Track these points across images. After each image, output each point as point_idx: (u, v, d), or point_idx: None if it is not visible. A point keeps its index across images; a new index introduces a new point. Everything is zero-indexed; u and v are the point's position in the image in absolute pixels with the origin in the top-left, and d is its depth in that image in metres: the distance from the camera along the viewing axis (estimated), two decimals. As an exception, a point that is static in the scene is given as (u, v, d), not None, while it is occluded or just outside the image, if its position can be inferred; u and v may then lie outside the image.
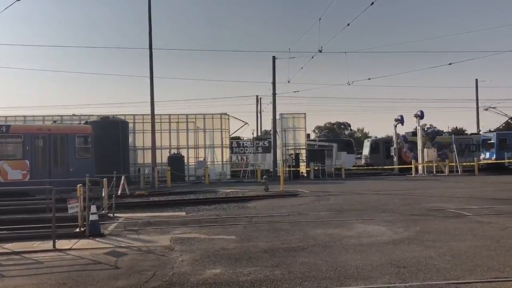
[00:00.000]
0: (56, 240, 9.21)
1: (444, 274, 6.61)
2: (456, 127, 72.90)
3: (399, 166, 36.20)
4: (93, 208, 10.60)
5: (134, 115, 32.58)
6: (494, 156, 34.99)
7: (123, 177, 21.46)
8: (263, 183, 21.85)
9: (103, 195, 14.14)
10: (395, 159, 37.23)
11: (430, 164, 33.93)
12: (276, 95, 35.21)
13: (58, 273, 7.24)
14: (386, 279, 6.43)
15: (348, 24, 22.77)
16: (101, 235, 10.35)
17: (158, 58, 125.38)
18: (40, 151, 21.26)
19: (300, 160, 33.61)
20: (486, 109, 40.01)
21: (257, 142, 38.61)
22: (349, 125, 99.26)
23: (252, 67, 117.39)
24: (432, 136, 36.27)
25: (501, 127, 41.34)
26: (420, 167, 34.32)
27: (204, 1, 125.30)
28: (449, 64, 29.64)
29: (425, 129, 39.48)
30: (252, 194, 20.13)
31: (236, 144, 37.50)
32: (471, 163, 33.71)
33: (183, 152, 31.91)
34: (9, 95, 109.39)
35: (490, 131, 39.69)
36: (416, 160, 34.54)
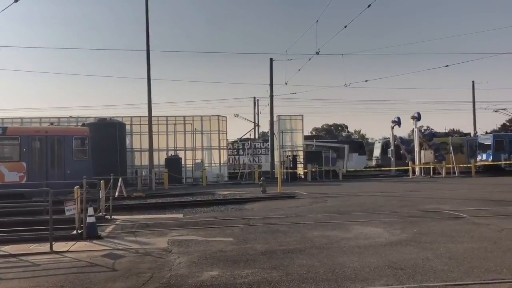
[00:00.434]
0: (53, 242, 9.19)
1: (441, 275, 6.62)
2: (453, 128, 73.15)
3: (399, 168, 36.24)
4: (90, 210, 10.58)
5: (131, 117, 32.52)
6: (491, 157, 35.11)
7: (120, 179, 21.44)
8: (261, 185, 21.85)
9: (100, 197, 14.11)
10: (392, 159, 37.26)
11: (427, 166, 34.01)
12: (274, 96, 35.26)
13: (55, 275, 7.22)
14: (383, 281, 6.44)
15: (345, 26, 22.71)
16: (99, 237, 10.32)
17: (156, 59, 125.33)
18: (37, 153, 21.22)
19: (298, 162, 33.63)
20: (496, 111, 40.18)
21: (255, 144, 38.65)
22: (347, 127, 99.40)
23: (250, 69, 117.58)
24: (429, 137, 36.35)
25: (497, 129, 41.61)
26: (417, 169, 34.39)
27: (202, 2, 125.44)
28: (446, 66, 29.66)
29: (422, 130, 39.59)
30: (249, 196, 20.12)
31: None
32: (468, 165, 33.80)
33: (181, 154, 31.88)
34: (6, 97, 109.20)
35: (486, 133, 39.86)
36: (413, 161, 34.64)
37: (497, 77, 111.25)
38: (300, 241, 9.47)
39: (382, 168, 38.79)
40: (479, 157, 36.41)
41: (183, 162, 31.44)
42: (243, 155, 38.23)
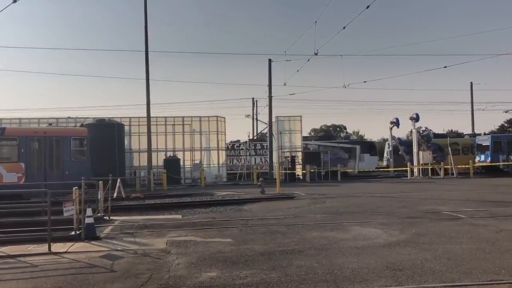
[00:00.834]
0: (52, 243, 9.18)
1: (440, 276, 6.63)
2: (451, 129, 73.21)
3: (397, 169, 36.28)
4: (89, 211, 10.56)
5: (130, 117, 32.53)
6: (489, 158, 35.16)
7: (119, 180, 21.43)
8: (259, 185, 21.86)
9: (99, 197, 14.10)
10: (391, 160, 37.29)
11: (426, 167, 34.05)
12: (272, 97, 35.31)
13: (54, 276, 7.20)
14: (382, 282, 6.44)
15: (344, 27, 22.76)
16: (97, 238, 10.31)
17: (155, 60, 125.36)
18: (36, 154, 21.20)
19: (296, 163, 33.66)
20: (506, 112, 40.26)
21: (253, 144, 38.66)
22: (345, 128, 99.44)
23: (248, 70, 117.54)
24: (427, 138, 36.40)
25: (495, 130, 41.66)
26: (415, 170, 34.44)
27: (201, 3, 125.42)
28: (444, 67, 29.84)
29: (421, 131, 39.64)
30: (248, 197, 20.13)
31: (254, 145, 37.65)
32: (466, 166, 33.83)
33: (179, 155, 31.90)
34: (4, 97, 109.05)
35: (485, 134, 39.89)
36: (412, 162, 34.68)
37: (495, 79, 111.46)
38: (299, 242, 9.47)
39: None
40: (477, 158, 36.46)
41: (181, 163, 31.47)
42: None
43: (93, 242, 9.96)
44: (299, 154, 34.62)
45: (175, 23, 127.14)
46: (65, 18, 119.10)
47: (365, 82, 36.38)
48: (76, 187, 10.89)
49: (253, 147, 38.34)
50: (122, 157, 28.77)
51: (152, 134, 28.76)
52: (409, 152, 36.11)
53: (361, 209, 14.82)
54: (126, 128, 30.88)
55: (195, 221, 13.03)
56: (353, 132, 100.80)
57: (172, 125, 32.66)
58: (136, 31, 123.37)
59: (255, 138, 44.22)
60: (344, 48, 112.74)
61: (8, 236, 10.45)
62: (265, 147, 38.05)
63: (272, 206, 16.74)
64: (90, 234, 10.32)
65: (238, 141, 40.93)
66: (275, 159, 34.38)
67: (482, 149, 36.44)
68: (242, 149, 38.51)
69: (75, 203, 10.43)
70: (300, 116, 35.88)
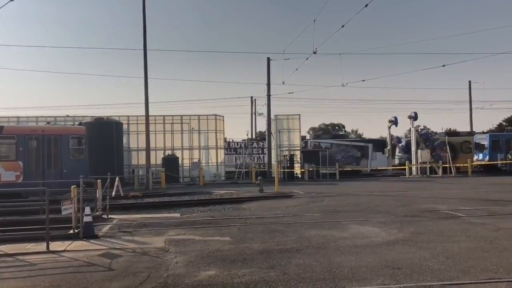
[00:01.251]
0: (50, 242, 9.17)
1: (438, 275, 6.64)
2: (450, 128, 73.27)
3: (395, 167, 36.30)
4: (87, 210, 10.56)
5: (128, 116, 32.49)
6: (487, 157, 35.21)
7: (117, 179, 21.40)
8: (258, 184, 21.86)
9: (97, 196, 14.09)
10: (389, 159, 37.28)
11: (424, 165, 34.08)
12: (271, 96, 35.31)
13: (52, 275, 7.20)
14: (380, 280, 6.45)
15: (343, 26, 22.70)
16: (95, 237, 10.30)
17: (153, 59, 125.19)
18: (34, 152, 21.16)
19: (295, 161, 33.66)
20: None
21: (252, 143, 38.68)
22: (344, 126, 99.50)
23: (247, 68, 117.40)
24: (425, 137, 36.42)
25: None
26: (413, 168, 34.48)
27: (199, 2, 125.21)
28: (443, 65, 29.77)
29: (419, 130, 39.66)
30: (246, 195, 20.13)
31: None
32: (465, 164, 33.88)
33: (178, 153, 31.86)
34: (2, 95, 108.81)
35: (483, 132, 39.92)
36: (410, 161, 34.72)
37: (494, 77, 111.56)
38: (297, 240, 9.47)
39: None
40: (475, 157, 36.51)
41: (180, 162, 31.43)
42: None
43: (91, 240, 9.95)
44: (298, 153, 34.62)
45: (173, 22, 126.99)
46: (62, 17, 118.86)
47: (363, 80, 36.54)
48: (75, 186, 10.87)
49: (255, 146, 38.39)
50: (121, 156, 28.75)
51: (150, 132, 28.73)
52: (408, 150, 36.12)
53: (360, 207, 14.84)
54: (125, 126, 30.84)
55: (193, 220, 13.03)
56: (352, 131, 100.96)
57: (171, 123, 32.63)
58: (134, 30, 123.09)
59: (256, 137, 44.14)
60: (343, 47, 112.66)
61: (7, 235, 10.43)
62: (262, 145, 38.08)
63: (271, 204, 16.74)
64: (88, 233, 10.31)
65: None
66: (273, 158, 34.36)
67: (480, 147, 36.49)
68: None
69: (74, 202, 10.41)
70: (299, 114, 35.92)
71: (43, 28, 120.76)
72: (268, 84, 35.07)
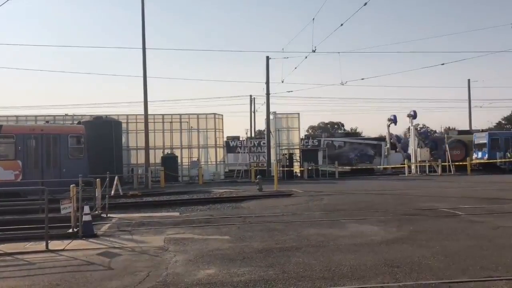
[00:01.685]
0: (49, 241, 9.15)
1: (437, 273, 6.64)
2: (449, 126, 73.32)
3: (395, 165, 36.31)
4: (86, 209, 10.55)
5: (127, 115, 32.47)
6: (486, 155, 35.24)
7: (116, 178, 21.39)
8: (257, 183, 21.85)
9: (96, 195, 14.08)
10: (389, 158, 37.33)
11: (423, 164, 34.10)
12: (270, 95, 35.29)
13: (51, 274, 7.19)
14: (379, 279, 6.45)
15: (342, 24, 22.74)
16: (95, 236, 10.30)
17: (152, 57, 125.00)
18: (33, 152, 21.14)
19: (294, 160, 33.66)
20: None
21: (251, 142, 38.68)
22: (343, 125, 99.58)
23: (246, 67, 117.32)
24: (424, 135, 36.43)
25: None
26: (413, 167, 34.50)
27: (198, 1, 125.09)
28: (442, 64, 29.98)
29: (418, 128, 39.67)
30: (246, 194, 20.12)
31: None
32: (464, 163, 33.89)
33: (177, 152, 31.85)
34: (1, 94, 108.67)
35: (482, 130, 39.92)
36: (409, 159, 34.75)
37: (493, 76, 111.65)
38: (296, 239, 9.47)
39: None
40: (474, 155, 36.54)
41: (179, 161, 31.42)
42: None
43: (90, 239, 9.95)
44: (297, 152, 34.62)
45: (172, 21, 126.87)
46: (62, 16, 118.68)
47: (362, 79, 36.36)
48: (74, 185, 10.86)
49: (254, 145, 38.39)
50: (120, 155, 28.72)
51: (149, 131, 28.72)
52: (407, 149, 36.15)
53: (359, 206, 14.84)
54: (124, 125, 30.80)
55: (193, 219, 13.02)
56: (351, 129, 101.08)
57: (170, 122, 32.60)
58: (133, 29, 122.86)
59: (255, 135, 44.12)
60: (342, 45, 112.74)
61: (5, 234, 10.41)
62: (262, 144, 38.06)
63: (270, 203, 16.74)
64: (87, 232, 10.31)
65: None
66: (273, 157, 34.36)
67: (479, 146, 36.52)
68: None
69: (73, 201, 10.40)
70: (298, 113, 35.95)
71: (42, 27, 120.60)
72: (267, 83, 35.06)
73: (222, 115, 34.31)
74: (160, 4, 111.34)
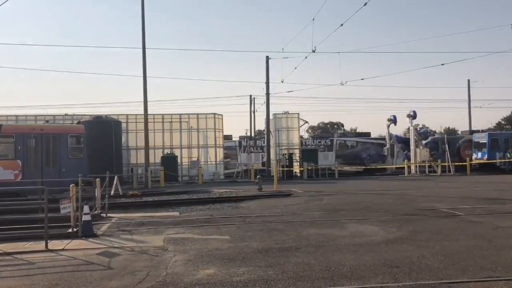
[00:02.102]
0: (49, 241, 9.15)
1: (436, 273, 6.65)
2: (449, 127, 73.38)
3: (398, 166, 36.29)
4: (86, 208, 10.55)
5: (127, 114, 32.44)
6: (486, 156, 35.23)
7: (116, 177, 21.38)
8: (257, 183, 21.84)
9: (96, 195, 14.07)
10: (389, 158, 37.30)
11: (423, 164, 34.07)
12: (270, 95, 35.24)
13: (51, 273, 7.20)
14: (379, 279, 6.45)
15: (342, 25, 22.67)
16: (94, 236, 10.30)
17: (151, 57, 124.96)
18: (32, 151, 21.13)
19: (294, 160, 33.65)
20: None
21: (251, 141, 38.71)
22: (342, 125, 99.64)
23: (246, 67, 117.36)
24: (424, 136, 36.39)
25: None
26: (412, 167, 34.48)
27: (198, 1, 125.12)
28: (442, 64, 29.88)
29: (418, 129, 39.63)
30: (245, 194, 20.11)
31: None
32: (463, 163, 33.86)
33: (177, 152, 31.82)
34: (1, 94, 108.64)
35: (481, 131, 39.89)
36: (409, 159, 34.73)
37: (493, 76, 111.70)
38: (296, 239, 9.47)
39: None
40: (474, 156, 36.52)
41: (179, 160, 31.40)
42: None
43: (90, 239, 9.95)
44: (297, 152, 34.60)
45: (171, 20, 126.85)
46: (62, 16, 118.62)
47: (362, 79, 36.45)
48: (73, 185, 10.86)
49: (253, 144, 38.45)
50: (119, 155, 28.70)
51: (149, 131, 28.70)
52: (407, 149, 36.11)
53: (358, 206, 14.84)
54: (123, 125, 30.78)
55: (192, 219, 13.02)
56: (351, 129, 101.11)
57: (170, 122, 32.57)
58: (133, 28, 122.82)
59: (255, 135, 44.15)
60: (342, 46, 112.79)
61: (5, 234, 10.40)
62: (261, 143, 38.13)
63: (270, 203, 16.74)
64: (87, 232, 10.31)
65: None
66: (272, 157, 34.34)
67: (479, 146, 36.51)
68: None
69: (72, 201, 10.40)
70: (298, 113, 35.88)
71: (41, 27, 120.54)
72: (267, 83, 35.01)
73: (221, 115, 34.31)
74: (160, 4, 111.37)
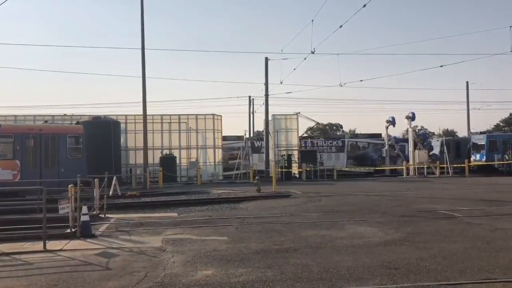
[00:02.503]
0: (47, 241, 9.14)
1: (435, 275, 6.65)
2: (447, 128, 73.50)
3: (395, 167, 36.33)
4: (84, 209, 10.54)
5: (126, 115, 32.43)
6: (484, 158, 35.28)
7: (114, 178, 21.37)
8: (256, 184, 21.84)
9: (94, 195, 14.06)
10: (387, 159, 37.32)
11: (421, 166, 34.11)
12: (269, 96, 35.26)
13: (49, 274, 7.19)
14: (377, 280, 6.46)
15: (341, 26, 22.67)
16: (92, 236, 10.29)
17: (150, 58, 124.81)
18: (31, 151, 21.11)
19: (293, 161, 33.66)
20: None
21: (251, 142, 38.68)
22: (341, 126, 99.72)
23: (245, 68, 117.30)
24: (423, 137, 36.45)
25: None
26: (411, 169, 34.52)
27: (197, 1, 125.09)
28: (441, 66, 29.88)
29: (416, 130, 39.69)
30: (244, 195, 20.11)
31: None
32: (462, 165, 33.90)
33: (175, 153, 31.82)
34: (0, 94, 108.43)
35: (480, 133, 39.94)
36: (407, 161, 34.76)
37: (491, 78, 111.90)
38: (294, 240, 9.48)
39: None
40: (472, 157, 36.58)
41: (178, 161, 31.40)
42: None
43: (88, 240, 9.93)
44: (295, 153, 34.61)
45: (170, 21, 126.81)
46: (61, 16, 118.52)
47: (361, 81, 36.61)
48: (72, 185, 10.85)
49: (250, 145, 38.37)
50: (118, 155, 28.66)
51: (148, 132, 28.67)
52: (404, 150, 36.16)
53: (357, 207, 14.85)
54: (122, 126, 30.76)
55: (191, 219, 13.02)
56: (349, 131, 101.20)
57: (169, 123, 32.58)
58: (132, 28, 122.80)
59: (254, 136, 44.10)
60: (341, 47, 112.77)
61: (3, 234, 10.39)
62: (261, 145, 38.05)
63: (268, 204, 16.74)
64: (85, 232, 10.29)
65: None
66: (271, 158, 34.34)
67: (477, 148, 36.58)
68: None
69: (71, 201, 10.39)
70: (297, 114, 35.87)
71: (40, 27, 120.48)
72: (266, 84, 35.03)
73: (220, 115, 34.31)
74: (159, 4, 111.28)
